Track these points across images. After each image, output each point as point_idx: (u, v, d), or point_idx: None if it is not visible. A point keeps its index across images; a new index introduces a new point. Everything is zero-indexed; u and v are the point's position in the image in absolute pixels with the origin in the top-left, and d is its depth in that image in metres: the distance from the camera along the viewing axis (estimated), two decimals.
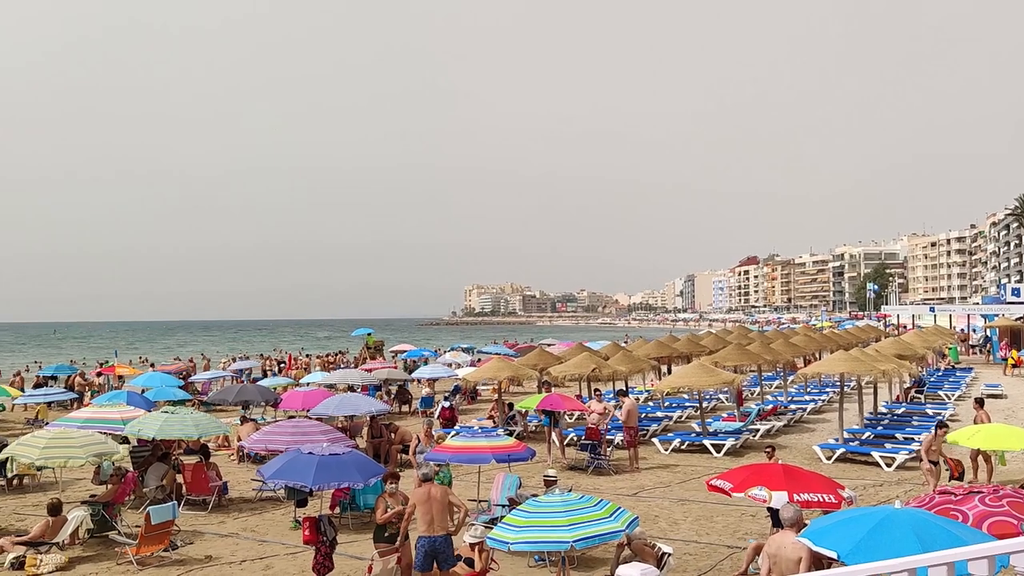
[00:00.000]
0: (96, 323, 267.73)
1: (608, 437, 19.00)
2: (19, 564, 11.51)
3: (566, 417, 20.35)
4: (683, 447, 20.24)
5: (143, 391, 26.85)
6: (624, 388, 22.20)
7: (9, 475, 17.16)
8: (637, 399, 24.80)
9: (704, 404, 23.28)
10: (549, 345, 44.61)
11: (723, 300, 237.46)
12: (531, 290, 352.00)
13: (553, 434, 19.56)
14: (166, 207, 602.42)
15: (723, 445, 19.56)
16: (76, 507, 13.01)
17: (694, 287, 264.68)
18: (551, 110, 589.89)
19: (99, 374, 38.26)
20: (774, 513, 9.50)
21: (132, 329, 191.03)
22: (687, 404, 26.62)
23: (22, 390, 31.52)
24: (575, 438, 20.28)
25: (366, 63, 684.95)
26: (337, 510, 13.72)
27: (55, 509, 12.28)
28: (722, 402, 28.08)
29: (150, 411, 18.42)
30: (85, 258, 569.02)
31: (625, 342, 48.20)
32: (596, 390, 22.25)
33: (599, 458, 18.10)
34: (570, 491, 9.96)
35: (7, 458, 15.47)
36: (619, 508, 9.19)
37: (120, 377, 36.49)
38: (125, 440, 16.76)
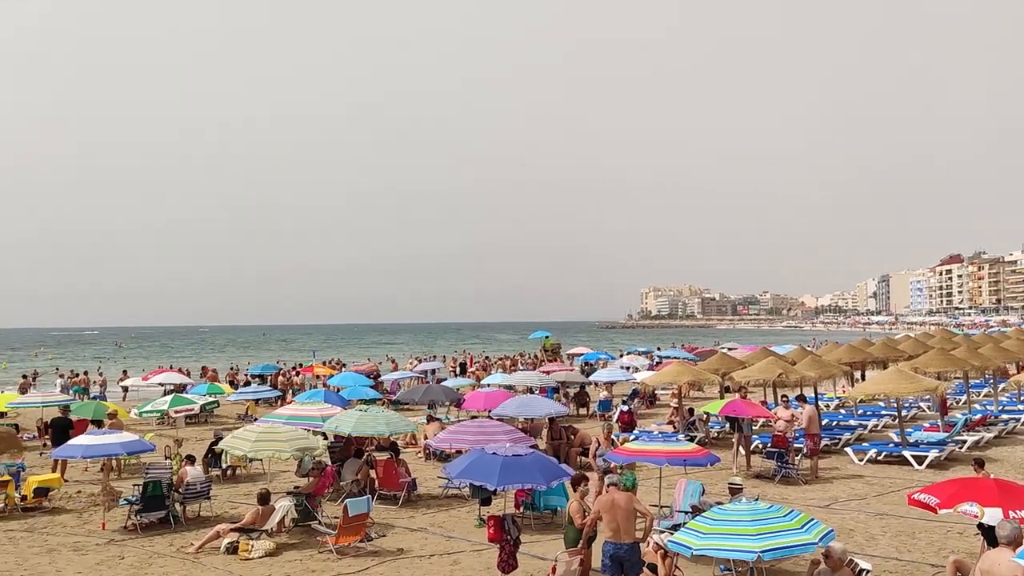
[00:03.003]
0: (297, 326, 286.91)
1: (796, 445, 18.25)
2: (233, 549, 12.51)
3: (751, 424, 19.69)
4: (879, 458, 19.07)
5: (338, 390, 28.55)
6: (803, 394, 21.18)
7: (223, 466, 18.75)
8: (827, 406, 23.63)
9: (903, 413, 21.82)
10: (731, 349, 43.36)
11: (922, 302, 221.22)
12: (710, 292, 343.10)
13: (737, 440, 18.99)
14: (361, 216, 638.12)
15: (925, 457, 18.26)
16: (282, 497, 13.99)
17: (888, 288, 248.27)
18: (724, 121, 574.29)
19: (298, 374, 41.02)
20: (986, 531, 8.76)
21: (328, 332, 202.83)
22: (883, 412, 25.08)
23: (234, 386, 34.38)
24: (760, 445, 19.60)
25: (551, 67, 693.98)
26: (520, 509, 13.96)
27: (264, 498, 13.25)
28: (923, 411, 26.24)
29: (345, 409, 19.52)
30: (292, 265, 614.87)
31: (813, 346, 46.15)
32: (783, 396, 21.41)
33: (787, 467, 17.40)
34: (757, 500, 9.62)
35: (222, 450, 16.87)
36: (812, 519, 8.78)
37: (317, 376, 39.01)
38: (323, 436, 17.83)
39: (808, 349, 33.40)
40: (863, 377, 30.48)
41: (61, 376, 40.25)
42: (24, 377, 41.02)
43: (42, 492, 15.81)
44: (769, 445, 18.35)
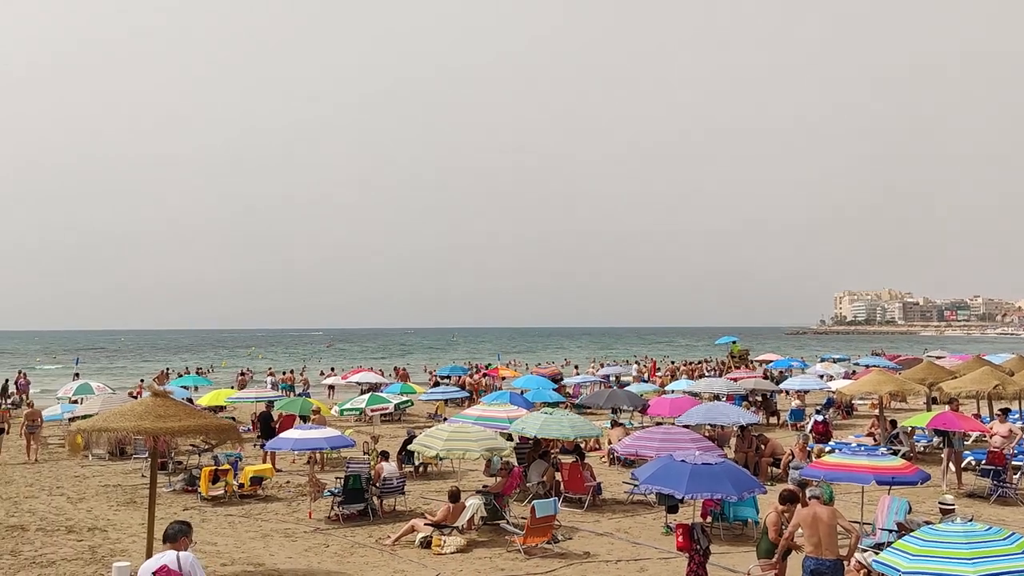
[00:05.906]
0: (485, 328, 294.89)
1: (1015, 463, 16.68)
2: (426, 543, 13.01)
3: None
4: None
5: (522, 392, 29.07)
6: None
7: (416, 463, 19.57)
8: None
9: None
10: (939, 357, 40.38)
11: None
12: (913, 296, 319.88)
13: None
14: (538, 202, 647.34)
15: None
16: (472, 495, 14.42)
17: None
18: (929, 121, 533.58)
19: (484, 375, 42.16)
20: None
21: (513, 336, 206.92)
22: None
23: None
24: (973, 462, 18.08)
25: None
26: (709, 519, 13.63)
27: (455, 496, 13.70)
28: None
29: (530, 411, 19.84)
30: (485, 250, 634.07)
31: None
32: (1001, 409, 19.64)
33: (1004, 486, 15.96)
34: (971, 520, 8.86)
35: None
36: None
37: (502, 378, 39.94)
38: (509, 437, 18.21)
39: None
40: None
41: (272, 375, 43.60)
42: (242, 374, 44.83)
43: (257, 481, 17.19)
44: (984, 462, 16.91)
